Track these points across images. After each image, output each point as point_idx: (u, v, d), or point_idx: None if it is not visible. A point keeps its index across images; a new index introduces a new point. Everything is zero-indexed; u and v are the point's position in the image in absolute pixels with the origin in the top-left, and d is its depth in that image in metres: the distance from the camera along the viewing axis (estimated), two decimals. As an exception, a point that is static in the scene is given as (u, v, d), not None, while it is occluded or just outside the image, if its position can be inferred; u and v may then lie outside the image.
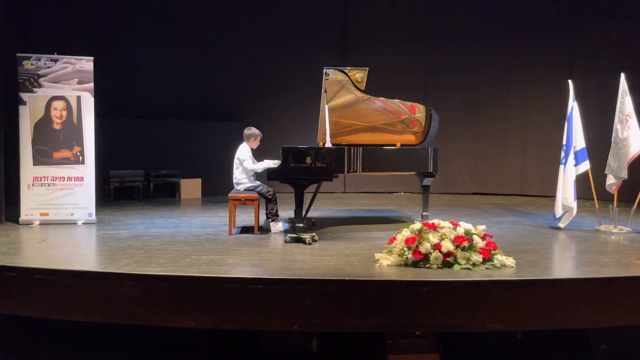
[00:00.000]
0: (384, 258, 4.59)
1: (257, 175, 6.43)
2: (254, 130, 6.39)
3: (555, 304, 4.03)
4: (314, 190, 6.55)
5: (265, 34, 10.61)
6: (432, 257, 4.39)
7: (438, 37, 10.67)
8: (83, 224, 6.65)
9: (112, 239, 5.72)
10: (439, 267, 4.37)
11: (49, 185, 6.67)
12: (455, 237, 4.46)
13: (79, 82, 6.75)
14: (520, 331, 4.76)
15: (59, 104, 6.72)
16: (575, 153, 6.36)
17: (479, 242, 4.47)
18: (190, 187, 9.95)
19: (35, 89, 6.66)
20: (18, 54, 6.68)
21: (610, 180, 6.45)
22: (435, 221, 4.67)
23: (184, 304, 4.07)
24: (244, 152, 6.22)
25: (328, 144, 5.87)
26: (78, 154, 6.76)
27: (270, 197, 6.27)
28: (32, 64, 6.65)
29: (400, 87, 9.76)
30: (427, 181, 6.50)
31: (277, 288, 4.00)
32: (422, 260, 4.43)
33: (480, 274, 4.22)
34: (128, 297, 4.10)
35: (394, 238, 4.70)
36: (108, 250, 5.14)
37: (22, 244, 5.52)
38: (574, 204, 6.24)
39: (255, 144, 6.38)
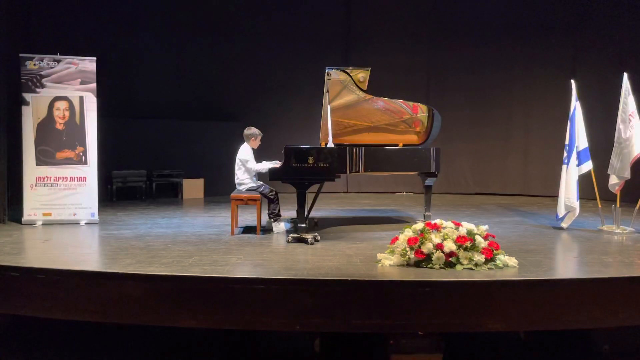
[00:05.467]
0: (386, 258, 4.59)
1: (259, 176, 6.44)
2: (254, 130, 6.39)
3: (558, 304, 4.02)
4: (316, 190, 6.56)
5: (267, 34, 10.62)
6: (434, 257, 4.39)
7: (440, 37, 10.65)
8: (86, 224, 6.67)
9: (115, 239, 5.73)
10: (441, 267, 4.37)
11: (51, 186, 6.69)
12: (457, 237, 4.45)
13: (82, 83, 6.77)
14: (522, 331, 4.76)
15: (61, 104, 6.73)
16: (578, 153, 6.35)
17: (482, 242, 4.46)
18: (193, 187, 9.97)
19: (38, 89, 6.67)
20: (21, 55, 6.70)
21: (613, 180, 6.43)
22: (438, 221, 4.67)
23: (186, 304, 4.07)
24: (246, 153, 6.22)
25: (330, 144, 5.87)
26: (81, 154, 6.77)
27: (272, 197, 6.27)
28: (35, 65, 6.67)
29: (402, 87, 9.76)
30: (429, 181, 6.49)
31: (279, 288, 4.00)
32: (424, 261, 4.43)
33: (482, 274, 4.21)
34: (130, 297, 4.10)
35: (396, 238, 4.69)
36: (110, 250, 5.15)
37: (25, 244, 5.53)
38: (576, 204, 6.23)
39: (256, 143, 6.38)
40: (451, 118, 9.01)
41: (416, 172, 6.51)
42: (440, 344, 4.21)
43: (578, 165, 6.33)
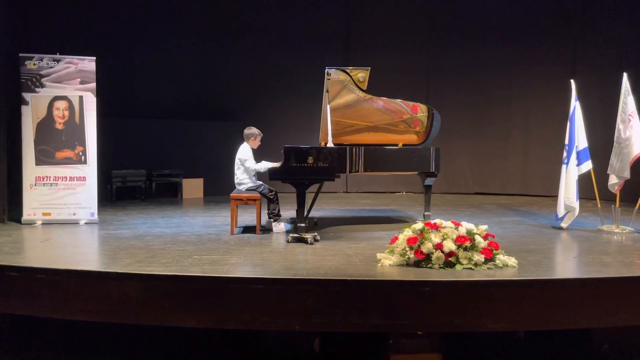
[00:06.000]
0: (385, 258, 4.59)
1: (259, 175, 6.44)
2: (254, 129, 6.39)
3: (557, 304, 4.02)
4: (316, 190, 6.56)
5: (267, 34, 10.61)
6: (434, 257, 4.39)
7: (440, 37, 10.65)
8: (85, 223, 6.66)
9: (114, 239, 5.72)
10: (440, 267, 4.37)
11: (51, 185, 6.68)
12: (457, 237, 4.45)
13: (81, 82, 6.76)
14: (522, 331, 4.76)
15: (61, 104, 6.73)
16: (578, 153, 6.35)
17: (481, 242, 4.46)
18: (193, 187, 9.96)
19: (37, 89, 6.67)
20: (20, 54, 6.70)
21: (613, 180, 6.43)
22: (437, 221, 4.67)
23: (185, 304, 4.07)
24: (245, 153, 6.22)
25: (330, 144, 5.87)
26: (80, 153, 6.77)
27: (272, 197, 6.27)
28: (34, 64, 6.66)
29: (402, 87, 9.75)
30: (429, 181, 6.49)
31: (278, 288, 4.00)
32: (424, 260, 4.43)
33: (482, 274, 4.21)
34: (130, 296, 4.10)
35: (396, 238, 4.69)
36: (110, 250, 5.15)
37: (24, 244, 5.53)
38: (576, 204, 6.23)
39: (256, 143, 6.37)
40: (451, 118, 9.00)
41: (416, 172, 6.51)
42: (439, 343, 4.21)
43: (578, 165, 6.34)
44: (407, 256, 4.49)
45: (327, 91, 6.16)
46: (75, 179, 6.74)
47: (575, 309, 4.02)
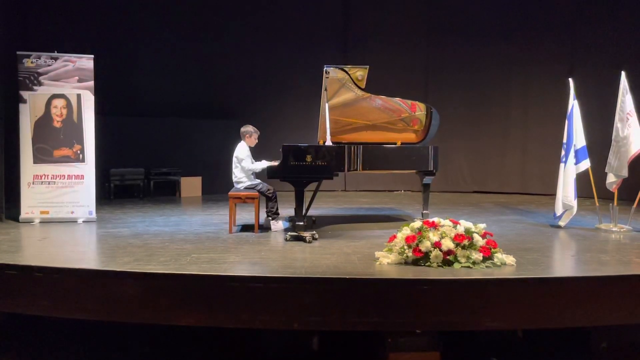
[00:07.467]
0: (384, 256, 4.60)
1: (258, 174, 6.43)
2: (250, 127, 6.38)
3: (555, 303, 4.03)
4: (314, 188, 6.56)
5: (266, 32, 10.60)
6: (432, 255, 4.39)
7: (439, 36, 10.65)
8: (83, 222, 6.66)
9: (113, 237, 5.72)
10: (439, 266, 4.37)
11: (49, 184, 6.67)
12: (455, 236, 4.46)
13: (79, 80, 6.75)
14: (520, 330, 4.77)
15: (59, 102, 6.72)
16: (576, 151, 6.36)
17: (479, 241, 4.47)
18: (191, 186, 9.96)
19: (35, 87, 6.66)
20: (18, 52, 6.68)
21: (611, 178, 6.45)
22: (436, 219, 4.67)
23: (184, 302, 4.07)
24: (242, 151, 6.22)
25: (328, 143, 5.87)
26: (78, 152, 6.76)
27: (270, 195, 6.27)
28: (32, 62, 6.65)
29: (400, 86, 9.75)
30: (427, 179, 6.49)
31: (277, 286, 4.00)
32: (422, 259, 4.43)
33: (480, 273, 4.22)
34: (128, 295, 4.10)
35: (394, 236, 4.70)
36: (108, 249, 5.14)
37: (22, 242, 5.53)
38: (574, 203, 6.24)
39: (252, 141, 6.37)
40: (449, 116, 9.01)
41: (414, 171, 6.51)
42: (438, 342, 4.21)
43: (576, 163, 6.35)
44: (405, 254, 4.49)
45: (326, 89, 6.17)
46: (73, 177, 6.73)
47: (574, 307, 4.03)
